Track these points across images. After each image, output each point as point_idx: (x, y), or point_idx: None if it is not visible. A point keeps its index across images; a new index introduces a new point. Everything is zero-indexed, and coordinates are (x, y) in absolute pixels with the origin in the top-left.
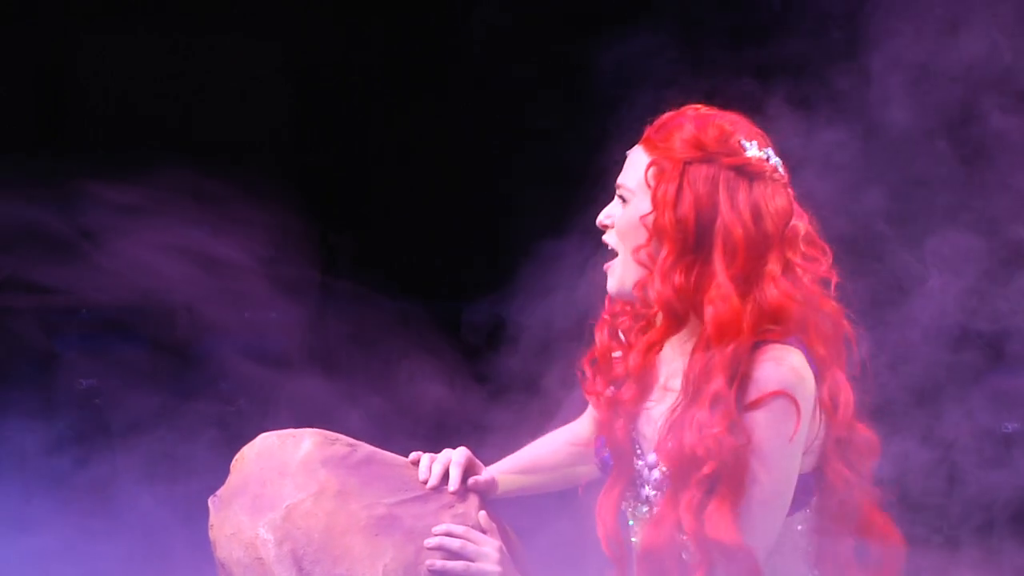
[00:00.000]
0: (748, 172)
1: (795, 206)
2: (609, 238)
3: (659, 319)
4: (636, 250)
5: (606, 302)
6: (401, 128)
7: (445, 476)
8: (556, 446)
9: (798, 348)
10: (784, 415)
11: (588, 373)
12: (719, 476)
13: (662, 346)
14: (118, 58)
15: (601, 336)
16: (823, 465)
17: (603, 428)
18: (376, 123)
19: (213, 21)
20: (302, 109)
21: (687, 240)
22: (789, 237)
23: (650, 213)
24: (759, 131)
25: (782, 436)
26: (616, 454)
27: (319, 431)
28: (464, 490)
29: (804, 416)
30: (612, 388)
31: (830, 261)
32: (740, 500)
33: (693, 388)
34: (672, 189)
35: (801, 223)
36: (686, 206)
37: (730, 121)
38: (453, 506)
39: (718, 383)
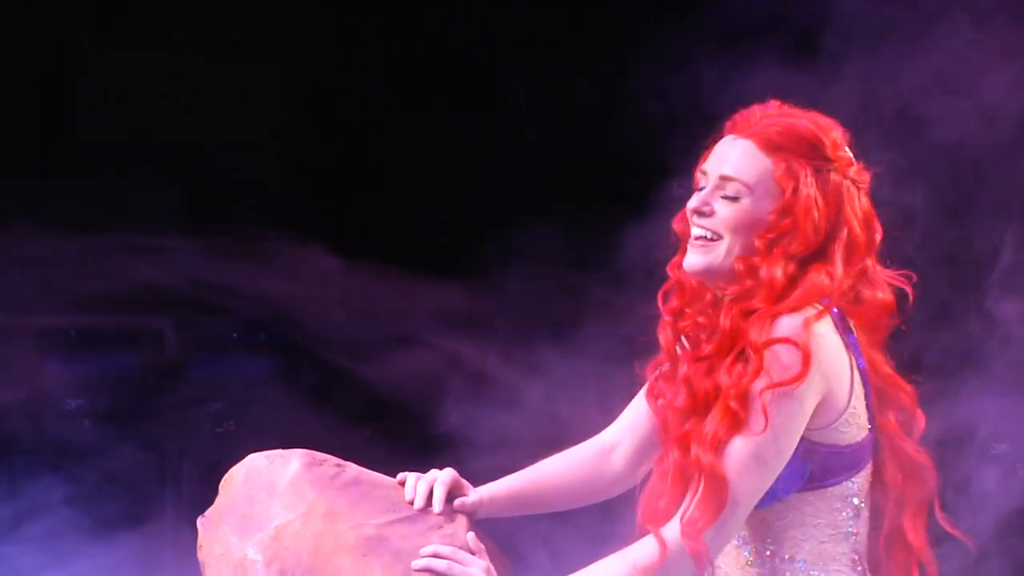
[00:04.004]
0: (859, 181)
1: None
2: (708, 223)
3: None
4: (758, 238)
5: (660, 300)
6: (402, 132)
7: (431, 496)
8: (559, 467)
9: (829, 314)
10: (785, 363)
11: (653, 377)
12: (721, 408)
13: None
14: (117, 66)
15: (665, 336)
16: (887, 454)
17: (663, 432)
18: (376, 127)
19: (212, 29)
20: (300, 115)
21: (816, 243)
22: (879, 240)
23: (782, 214)
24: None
25: (781, 383)
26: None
27: (307, 451)
28: (451, 510)
29: (814, 372)
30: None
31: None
32: (733, 434)
33: (730, 340)
34: (809, 196)
35: (879, 227)
36: (821, 214)
37: (838, 129)
38: (441, 527)
39: (749, 332)
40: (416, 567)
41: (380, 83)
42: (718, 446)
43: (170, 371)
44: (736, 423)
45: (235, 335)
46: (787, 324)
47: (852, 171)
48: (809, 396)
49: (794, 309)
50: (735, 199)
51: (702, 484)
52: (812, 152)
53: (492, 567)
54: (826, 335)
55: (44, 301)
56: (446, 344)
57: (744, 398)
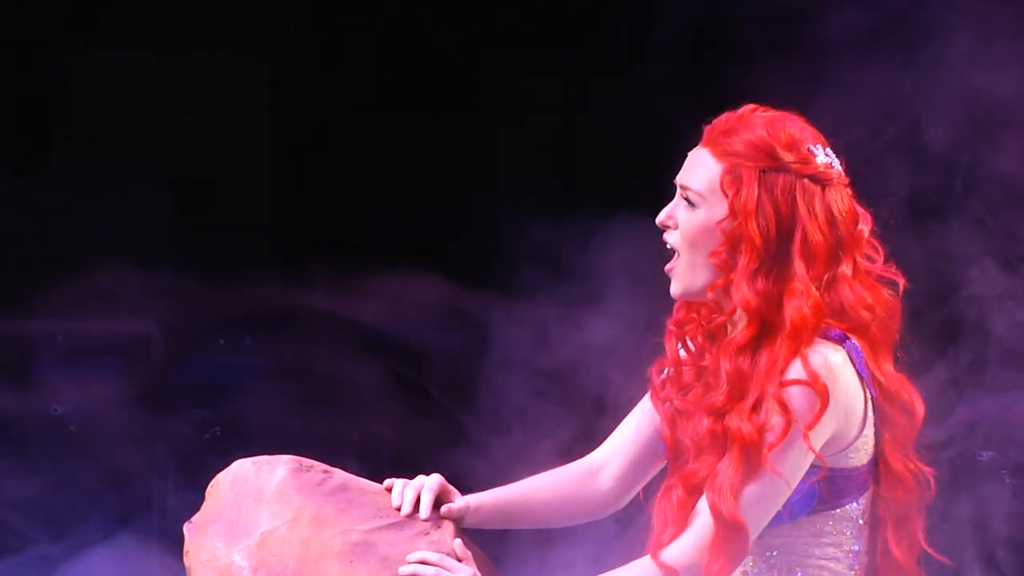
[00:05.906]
0: (820, 179)
1: (857, 206)
2: (671, 238)
3: (740, 323)
4: (712, 255)
5: (674, 311)
6: (383, 147)
7: (419, 502)
8: (544, 484)
9: (844, 348)
10: (805, 405)
11: (657, 381)
12: (737, 456)
13: (753, 348)
14: (98, 78)
15: (671, 346)
16: (884, 468)
17: (668, 434)
18: (358, 142)
19: (193, 41)
20: (284, 128)
21: (768, 247)
22: (857, 238)
23: (729, 220)
24: (817, 132)
25: (798, 425)
26: (674, 457)
27: (294, 458)
28: (438, 517)
29: (830, 412)
30: (680, 395)
31: (883, 259)
32: (749, 479)
33: (739, 381)
34: (751, 198)
35: (864, 225)
36: (767, 215)
37: (799, 127)
38: (428, 533)
39: (760, 376)
40: (403, 573)
41: (369, 85)
42: (736, 495)
43: (157, 377)
44: (750, 471)
45: (222, 341)
46: (799, 370)
47: (815, 169)
48: (821, 438)
49: (798, 349)
50: (693, 208)
51: (718, 531)
52: (759, 153)
53: (479, 574)
54: (841, 376)
55: (31, 306)
56: (438, 342)
57: (759, 448)
